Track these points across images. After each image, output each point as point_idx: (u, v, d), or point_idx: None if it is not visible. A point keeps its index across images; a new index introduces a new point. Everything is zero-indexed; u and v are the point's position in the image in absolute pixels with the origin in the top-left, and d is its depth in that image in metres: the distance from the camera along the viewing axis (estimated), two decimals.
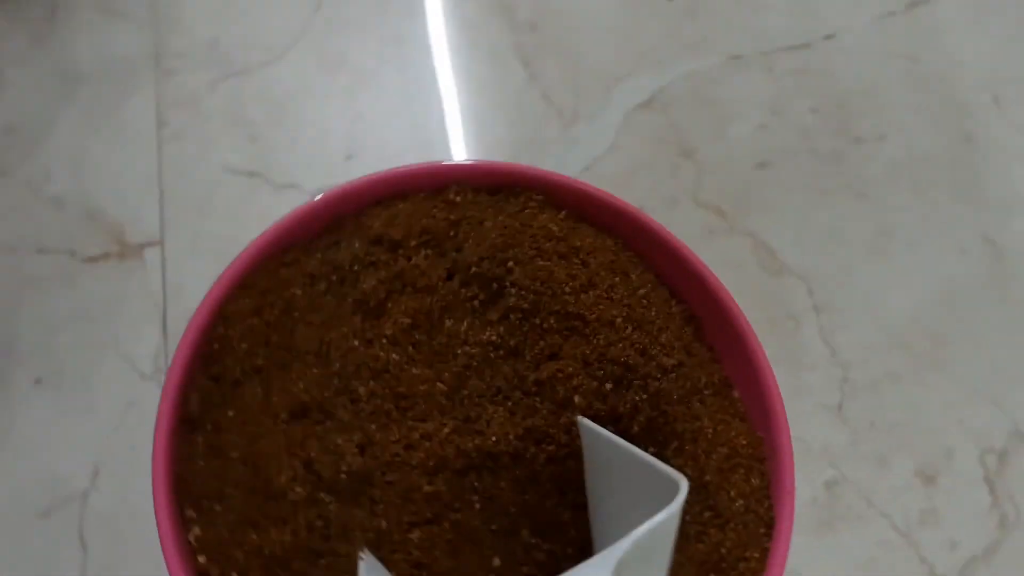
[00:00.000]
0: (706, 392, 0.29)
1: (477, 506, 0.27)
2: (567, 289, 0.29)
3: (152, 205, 0.40)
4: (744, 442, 0.28)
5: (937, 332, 0.42)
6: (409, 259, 0.29)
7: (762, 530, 0.27)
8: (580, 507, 0.27)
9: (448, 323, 0.28)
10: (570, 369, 0.27)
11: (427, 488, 0.26)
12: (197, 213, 0.40)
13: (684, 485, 0.20)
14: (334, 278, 0.29)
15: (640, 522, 0.20)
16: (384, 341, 0.28)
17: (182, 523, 0.25)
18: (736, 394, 0.30)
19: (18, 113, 0.41)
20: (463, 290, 0.29)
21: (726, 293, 0.30)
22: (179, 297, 0.38)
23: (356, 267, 0.29)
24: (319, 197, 0.30)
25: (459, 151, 0.31)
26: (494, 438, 0.27)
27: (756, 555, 0.27)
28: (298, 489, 0.25)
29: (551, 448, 0.27)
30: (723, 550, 0.26)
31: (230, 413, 0.27)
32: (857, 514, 0.38)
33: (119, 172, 0.40)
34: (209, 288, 0.27)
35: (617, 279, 0.30)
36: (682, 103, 0.47)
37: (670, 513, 0.20)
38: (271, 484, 0.25)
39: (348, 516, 0.25)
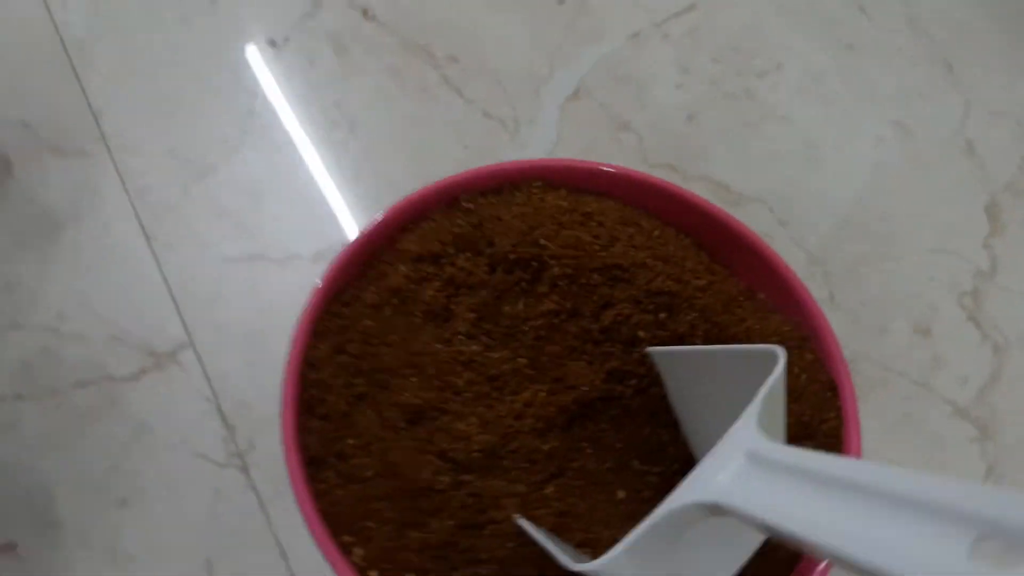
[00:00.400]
0: (740, 299, 0.33)
1: (589, 451, 0.30)
2: (596, 247, 0.32)
3: (170, 313, 0.42)
4: (787, 328, 0.32)
5: (883, 209, 0.48)
6: (453, 264, 0.32)
7: (828, 394, 0.31)
8: (673, 427, 0.31)
9: (507, 307, 0.32)
10: (626, 311, 0.31)
11: (544, 448, 0.29)
12: (214, 307, 0.42)
13: (782, 351, 0.24)
14: (395, 301, 0.32)
15: (746, 405, 0.23)
16: (461, 337, 0.31)
17: (343, 551, 0.28)
18: (762, 296, 0.34)
19: (8, 272, 0.43)
20: (508, 276, 0.32)
21: (725, 214, 0.34)
22: (226, 383, 0.40)
23: (411, 286, 0.32)
24: (352, 241, 0.33)
25: (434, 178, 0.34)
26: (585, 387, 0.30)
27: (832, 415, 0.31)
28: (442, 478, 0.28)
29: (633, 383, 0.30)
30: (804, 418, 0.30)
31: (351, 441, 0.29)
32: (880, 381, 0.43)
33: (127, 293, 0.42)
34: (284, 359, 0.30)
35: (631, 229, 0.34)
36: (603, 86, 0.51)
37: (780, 371, 0.24)
38: (416, 483, 0.28)
39: (492, 488, 0.28)
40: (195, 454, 0.39)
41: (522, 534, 0.27)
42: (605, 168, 0.35)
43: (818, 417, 0.30)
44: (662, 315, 0.31)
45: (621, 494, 0.30)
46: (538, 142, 0.49)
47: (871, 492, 0.18)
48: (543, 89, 0.51)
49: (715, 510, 0.21)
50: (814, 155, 0.50)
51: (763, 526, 0.20)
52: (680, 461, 0.31)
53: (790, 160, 0.49)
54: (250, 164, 0.46)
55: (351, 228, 0.45)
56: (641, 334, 0.31)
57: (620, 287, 0.32)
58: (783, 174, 0.49)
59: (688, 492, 0.22)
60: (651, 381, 0.31)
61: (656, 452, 0.31)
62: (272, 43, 0.51)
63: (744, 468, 0.22)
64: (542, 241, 0.32)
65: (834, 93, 0.52)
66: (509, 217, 0.34)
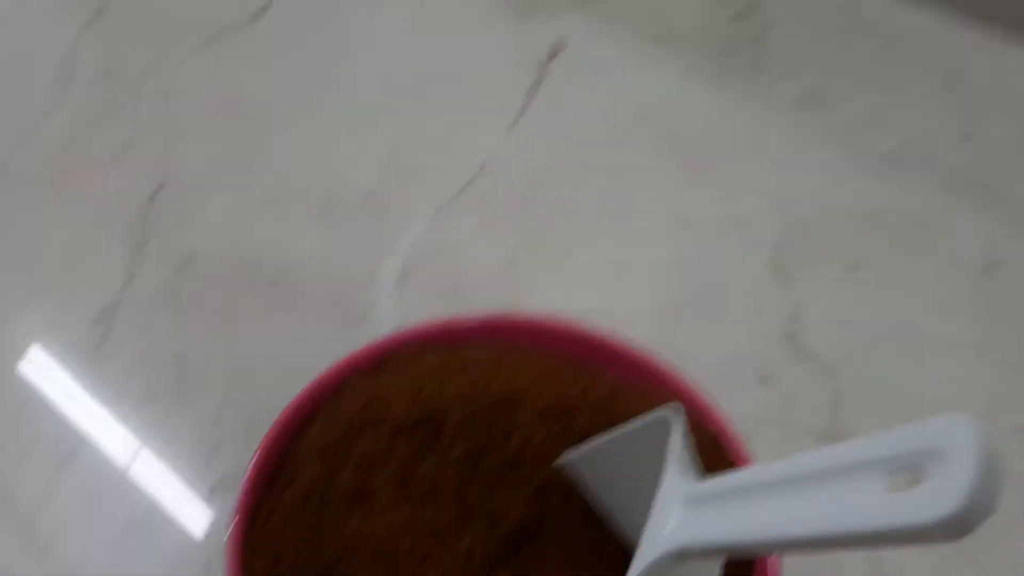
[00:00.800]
0: (620, 389, 0.37)
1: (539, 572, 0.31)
2: (480, 387, 0.35)
3: None
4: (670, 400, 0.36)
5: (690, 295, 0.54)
6: (358, 445, 0.34)
7: (718, 444, 0.35)
8: (607, 525, 0.33)
9: (420, 469, 0.33)
10: (527, 432, 0.34)
11: None
12: None
13: (676, 407, 0.28)
14: (314, 498, 0.33)
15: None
16: (388, 510, 0.32)
17: None
18: (633, 383, 0.38)
19: None
20: (412, 439, 0.34)
21: (578, 327, 0.39)
22: None
23: (326, 477, 0.33)
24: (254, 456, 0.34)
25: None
26: (518, 511, 0.32)
27: (728, 460, 0.34)
28: None
29: (559, 493, 0.33)
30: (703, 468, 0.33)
31: None
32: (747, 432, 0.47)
33: None
34: None
35: (505, 363, 0.37)
36: (426, 260, 0.56)
37: (681, 424, 0.27)
38: None
39: None
40: None
41: None
42: (465, 320, 0.39)
43: (716, 465, 0.34)
44: (559, 426, 0.34)
45: None
46: (385, 328, 0.52)
47: (792, 479, 0.22)
48: (371, 285, 0.54)
49: (679, 557, 0.24)
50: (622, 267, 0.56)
51: (722, 549, 0.23)
52: (625, 553, 0.33)
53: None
54: None
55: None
56: (548, 449, 0.34)
57: (514, 415, 0.34)
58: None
59: (649, 551, 0.25)
60: (575, 488, 0.33)
61: (600, 550, 0.33)
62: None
63: (686, 511, 0.25)
64: (431, 399, 0.35)
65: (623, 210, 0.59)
66: (392, 390, 0.36)
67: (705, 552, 0.24)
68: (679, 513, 0.25)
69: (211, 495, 0.45)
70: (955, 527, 0.17)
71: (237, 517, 0.32)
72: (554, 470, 0.33)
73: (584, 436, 0.34)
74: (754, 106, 0.65)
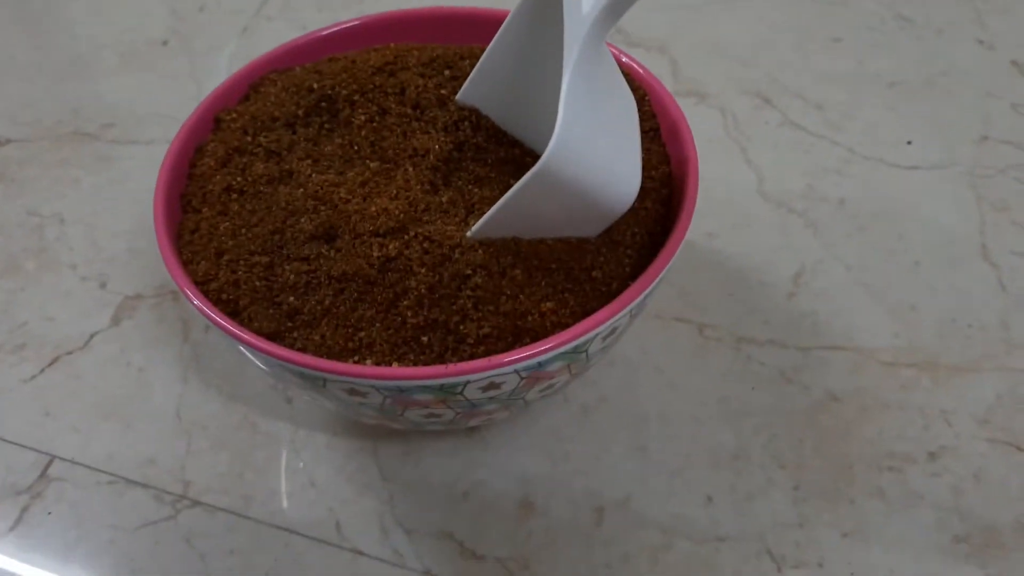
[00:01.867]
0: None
1: (474, 188, 0.32)
2: (368, 66, 0.35)
3: None
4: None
5: None
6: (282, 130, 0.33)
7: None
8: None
9: (333, 141, 0.33)
10: (419, 82, 0.34)
11: (443, 199, 0.31)
12: None
13: None
14: (237, 158, 0.33)
15: None
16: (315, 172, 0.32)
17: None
18: None
19: None
20: (317, 119, 0.34)
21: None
22: None
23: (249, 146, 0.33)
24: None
25: None
26: (438, 146, 0.32)
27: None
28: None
29: (469, 124, 0.33)
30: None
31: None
32: None
33: None
34: None
35: (386, 48, 0.37)
36: None
37: None
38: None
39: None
40: None
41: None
42: (321, 30, 0.38)
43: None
44: (448, 72, 0.35)
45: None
46: None
47: None
48: None
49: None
50: None
51: None
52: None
53: None
54: None
55: None
56: (444, 92, 0.34)
57: (400, 74, 0.34)
58: None
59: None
60: (482, 118, 0.34)
61: (522, 163, 0.34)
62: None
63: None
64: (316, 90, 0.34)
65: None
66: (271, 102, 0.35)
67: None
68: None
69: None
70: None
71: (163, 233, 0.31)
72: (456, 106, 0.34)
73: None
74: None
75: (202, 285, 0.31)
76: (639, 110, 0.31)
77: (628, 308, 0.29)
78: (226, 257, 0.30)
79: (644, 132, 0.33)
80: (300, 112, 0.34)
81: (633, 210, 0.30)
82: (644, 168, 0.30)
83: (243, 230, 0.31)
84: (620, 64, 0.34)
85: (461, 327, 0.29)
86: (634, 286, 0.29)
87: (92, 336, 0.43)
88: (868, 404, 0.38)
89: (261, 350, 0.28)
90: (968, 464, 0.36)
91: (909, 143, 0.48)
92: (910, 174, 0.46)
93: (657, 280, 0.29)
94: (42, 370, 0.42)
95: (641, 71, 0.36)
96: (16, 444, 0.39)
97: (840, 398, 0.38)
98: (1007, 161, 0.46)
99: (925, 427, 0.37)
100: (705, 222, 0.44)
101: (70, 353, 0.42)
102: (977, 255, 0.42)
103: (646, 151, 0.32)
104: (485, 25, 0.38)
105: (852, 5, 0.55)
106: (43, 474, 0.38)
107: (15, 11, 0.60)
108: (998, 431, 0.37)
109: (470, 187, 0.32)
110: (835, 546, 0.34)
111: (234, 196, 0.32)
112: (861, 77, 0.51)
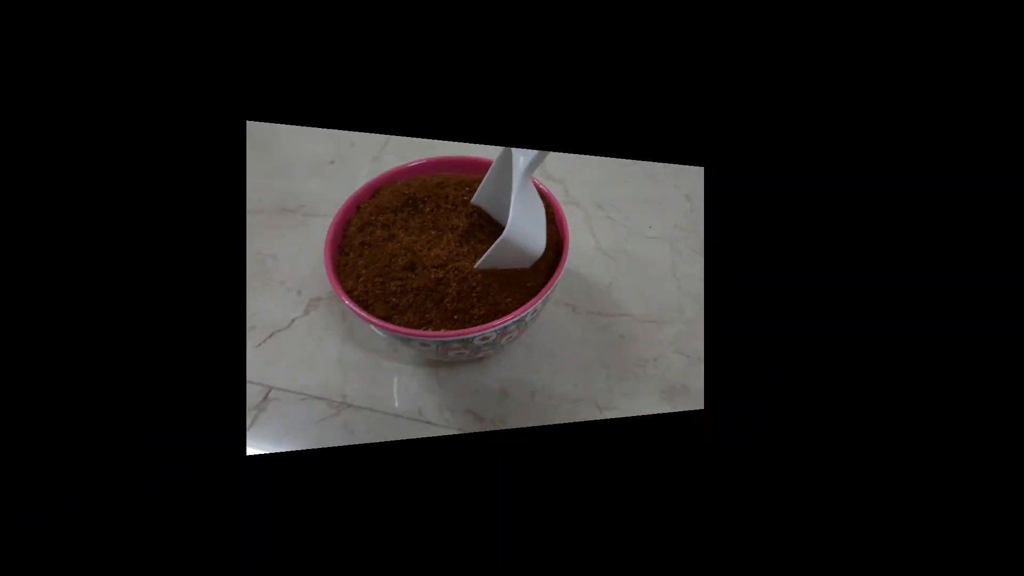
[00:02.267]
0: None
1: (475, 247, 0.68)
2: (435, 188, 0.71)
3: None
4: None
5: None
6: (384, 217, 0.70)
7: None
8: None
9: (413, 221, 0.69)
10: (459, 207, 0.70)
11: (464, 250, 0.67)
12: None
13: (513, 150, 0.64)
14: (369, 228, 0.68)
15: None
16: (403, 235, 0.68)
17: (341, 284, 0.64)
18: None
19: None
20: (411, 209, 0.70)
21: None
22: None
23: (372, 225, 0.69)
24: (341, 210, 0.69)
25: None
26: (461, 226, 0.68)
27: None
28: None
29: (477, 217, 0.69)
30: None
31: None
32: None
33: None
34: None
35: (452, 181, 0.73)
36: None
37: (518, 155, 0.64)
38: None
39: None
40: None
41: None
42: (413, 162, 0.75)
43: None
44: (468, 190, 0.70)
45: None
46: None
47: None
48: None
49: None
50: None
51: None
52: None
53: None
54: None
55: None
56: (466, 199, 0.69)
57: (446, 189, 0.70)
58: None
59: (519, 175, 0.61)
60: (485, 213, 0.69)
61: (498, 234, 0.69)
62: None
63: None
64: (406, 194, 0.70)
65: None
66: (385, 199, 0.72)
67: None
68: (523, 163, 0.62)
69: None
70: None
71: (330, 265, 0.67)
72: (472, 206, 0.69)
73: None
74: None
75: (349, 293, 0.66)
76: (546, 210, 0.67)
77: (542, 299, 0.64)
78: (361, 279, 0.66)
79: (548, 220, 0.68)
80: (399, 205, 0.70)
81: (543, 256, 0.65)
82: (547, 237, 0.65)
83: (369, 265, 0.67)
84: (538, 187, 0.70)
85: (471, 311, 0.64)
86: (544, 289, 0.64)
87: (292, 321, 0.80)
88: (633, 336, 0.74)
89: (380, 326, 0.64)
90: (668, 363, 0.73)
91: (651, 227, 0.86)
92: (652, 240, 0.84)
93: (553, 286, 0.64)
94: (264, 340, 0.79)
95: (547, 191, 0.71)
96: (252, 382, 0.77)
97: (624, 336, 0.74)
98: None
99: (650, 346, 0.74)
100: (572, 260, 0.79)
101: (280, 330, 0.80)
102: (671, 275, 0.79)
103: (548, 229, 0.67)
104: (485, 166, 0.74)
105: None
106: (265, 397, 0.75)
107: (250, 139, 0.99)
108: (680, 348, 0.73)
109: (477, 245, 0.67)
110: (621, 399, 0.70)
111: (365, 247, 0.68)
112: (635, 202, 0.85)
